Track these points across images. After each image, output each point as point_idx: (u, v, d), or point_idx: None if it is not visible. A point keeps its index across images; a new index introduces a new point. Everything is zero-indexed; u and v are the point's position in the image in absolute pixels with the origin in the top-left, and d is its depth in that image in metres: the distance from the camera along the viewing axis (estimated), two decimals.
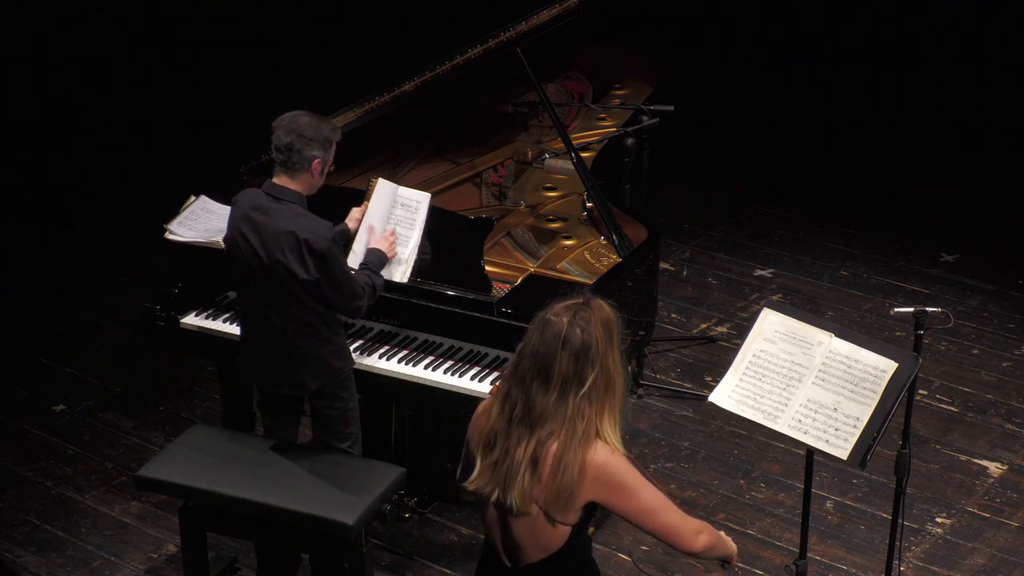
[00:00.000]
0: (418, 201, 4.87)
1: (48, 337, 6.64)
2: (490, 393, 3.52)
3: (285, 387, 4.59)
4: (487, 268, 4.88)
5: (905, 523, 4.80)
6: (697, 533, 3.46)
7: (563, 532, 3.41)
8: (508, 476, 3.37)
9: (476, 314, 4.71)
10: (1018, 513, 5.41)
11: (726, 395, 4.06)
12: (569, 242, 5.28)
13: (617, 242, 5.14)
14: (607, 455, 3.34)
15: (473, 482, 3.44)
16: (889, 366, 3.94)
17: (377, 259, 4.68)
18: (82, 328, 6.73)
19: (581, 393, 3.32)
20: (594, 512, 3.49)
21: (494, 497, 3.40)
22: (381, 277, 4.64)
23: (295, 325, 4.46)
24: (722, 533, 3.58)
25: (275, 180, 4.46)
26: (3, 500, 5.52)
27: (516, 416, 3.37)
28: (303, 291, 4.39)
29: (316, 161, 4.43)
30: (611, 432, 3.38)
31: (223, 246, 5.01)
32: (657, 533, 3.48)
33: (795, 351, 4.04)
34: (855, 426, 3.91)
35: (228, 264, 4.59)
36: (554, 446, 3.32)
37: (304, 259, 4.34)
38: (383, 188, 4.87)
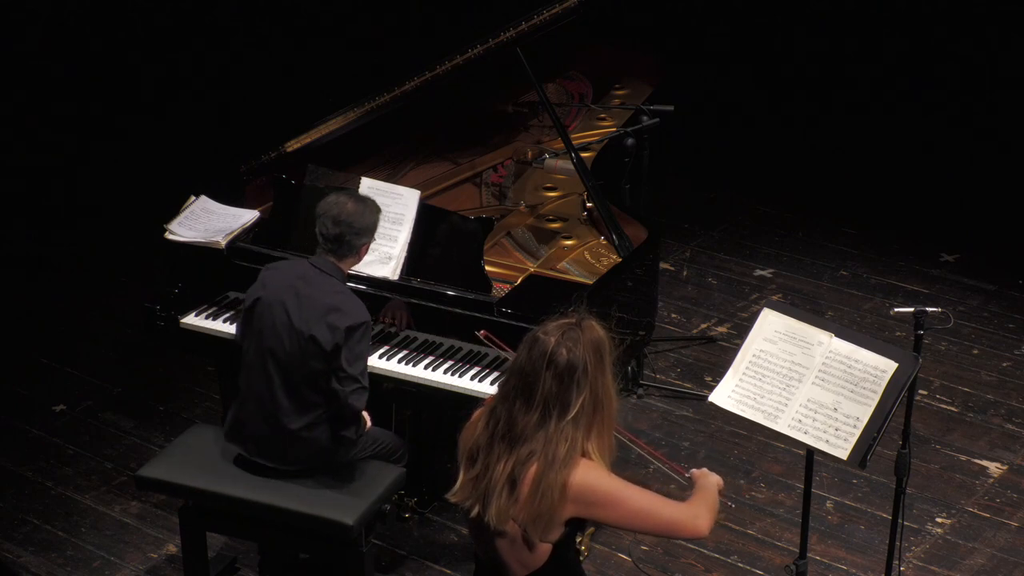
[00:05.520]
0: (406, 195, 4.88)
1: (48, 337, 6.64)
2: (485, 402, 3.50)
3: (270, 459, 4.50)
4: (487, 268, 4.88)
5: (905, 523, 4.79)
6: (695, 518, 3.42)
7: (544, 550, 3.39)
8: (487, 493, 3.35)
9: (476, 314, 4.71)
10: (1018, 513, 5.41)
11: (726, 395, 4.07)
12: (569, 242, 5.28)
13: (617, 242, 5.14)
14: (586, 471, 3.31)
15: (455, 494, 3.43)
16: (889, 366, 3.94)
17: None
18: (82, 328, 6.73)
19: (568, 417, 3.28)
20: (581, 527, 3.47)
21: (474, 512, 3.39)
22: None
23: (298, 402, 4.42)
24: (710, 490, 3.52)
25: (324, 256, 4.48)
26: (3, 500, 5.52)
27: (498, 432, 3.34)
28: (323, 366, 4.35)
29: (364, 247, 4.50)
30: (598, 455, 3.35)
31: (223, 246, 5.04)
32: (656, 532, 3.47)
33: (795, 351, 4.04)
34: (855, 426, 3.91)
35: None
36: (533, 468, 3.29)
37: (336, 330, 4.32)
38: (367, 184, 4.91)
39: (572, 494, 3.30)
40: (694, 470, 3.63)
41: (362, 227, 4.44)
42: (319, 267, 4.45)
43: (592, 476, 3.31)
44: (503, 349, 4.43)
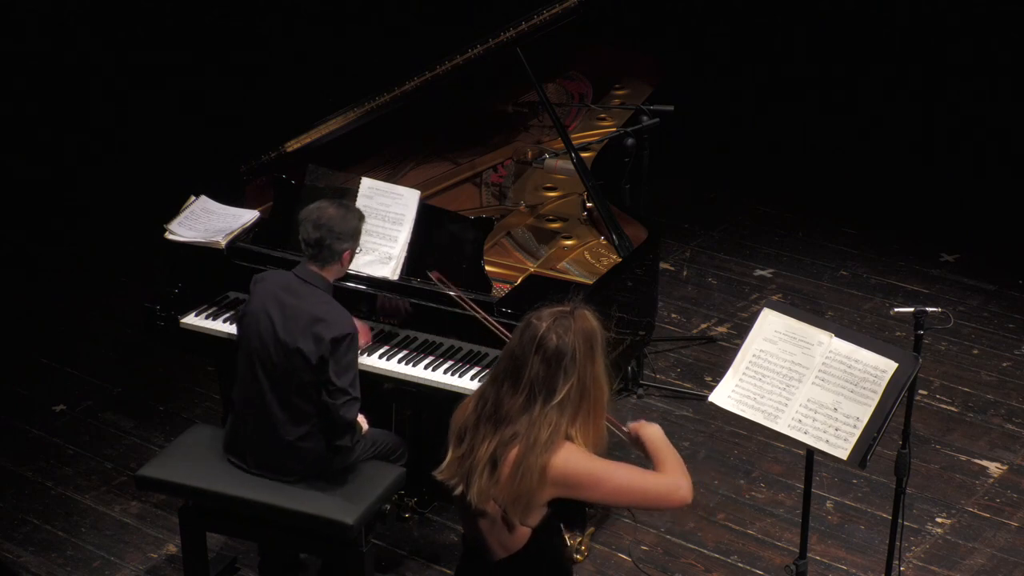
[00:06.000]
0: (406, 195, 4.89)
1: (48, 337, 6.64)
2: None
3: (268, 471, 4.49)
4: (487, 268, 4.88)
5: (905, 523, 4.80)
6: (678, 488, 3.42)
7: (523, 533, 3.41)
8: (470, 472, 3.39)
9: (476, 314, 4.71)
10: (1018, 513, 5.41)
11: (726, 395, 4.07)
12: (569, 242, 5.28)
13: (617, 242, 5.14)
14: (567, 454, 3.34)
15: (442, 472, 3.48)
16: (889, 366, 3.95)
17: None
18: (82, 328, 6.73)
19: (552, 403, 3.31)
20: (565, 515, 3.48)
21: (458, 491, 3.43)
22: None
23: (292, 413, 4.41)
24: (672, 450, 3.49)
25: (307, 265, 4.45)
26: (3, 500, 5.52)
27: (485, 413, 3.39)
28: (312, 378, 4.34)
29: (346, 253, 4.45)
30: (581, 443, 3.36)
31: (223, 246, 5.04)
32: (642, 505, 3.49)
33: (795, 351, 4.04)
34: (855, 426, 3.91)
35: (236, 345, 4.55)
36: (514, 450, 3.32)
37: (321, 342, 4.30)
38: (367, 184, 4.92)
39: (552, 477, 3.33)
40: (631, 423, 3.59)
41: (343, 231, 4.40)
42: (303, 277, 4.42)
43: (572, 459, 3.34)
44: (454, 291, 4.50)
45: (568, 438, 3.36)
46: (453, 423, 3.49)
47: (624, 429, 3.60)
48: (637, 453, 3.58)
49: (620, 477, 3.38)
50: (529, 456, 3.30)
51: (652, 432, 3.53)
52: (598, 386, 3.37)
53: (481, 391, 3.44)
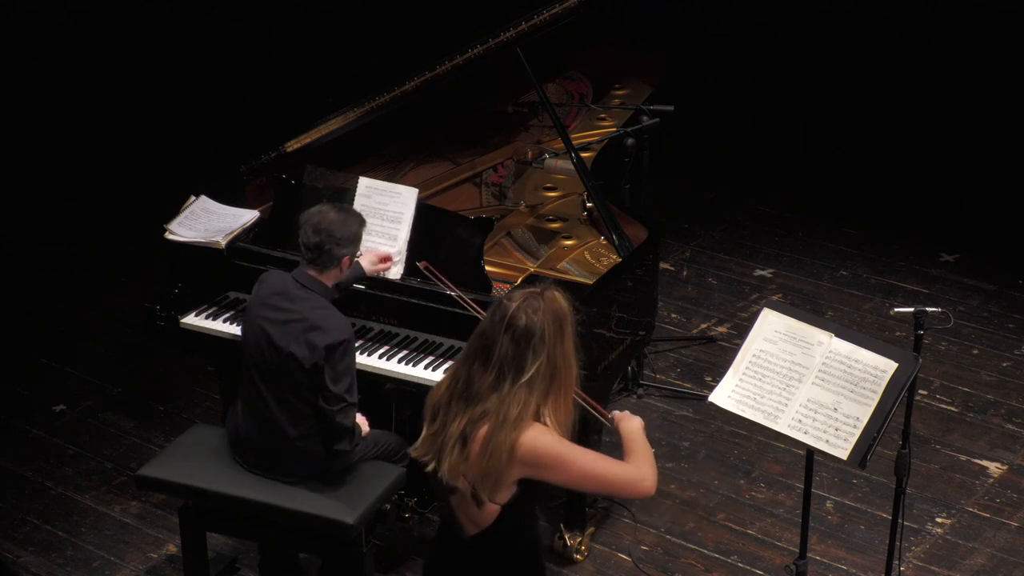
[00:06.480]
0: (404, 193, 4.88)
1: (48, 337, 6.64)
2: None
3: (269, 470, 4.50)
4: (487, 268, 4.88)
5: (905, 523, 4.80)
6: (642, 479, 3.47)
7: (492, 510, 3.47)
8: (442, 449, 3.45)
9: (476, 314, 4.71)
10: (1018, 513, 5.41)
11: (726, 395, 4.07)
12: (569, 242, 5.28)
13: (617, 242, 5.14)
14: (535, 433, 3.39)
15: (416, 449, 3.53)
16: (889, 366, 3.95)
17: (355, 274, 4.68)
18: (82, 328, 6.73)
19: (521, 381, 3.37)
20: (536, 494, 3.52)
21: (430, 467, 3.49)
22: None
23: (290, 413, 4.41)
24: (644, 443, 3.55)
25: (305, 270, 4.43)
26: (3, 500, 5.52)
27: (456, 391, 3.45)
28: (307, 380, 4.34)
29: (346, 258, 4.43)
30: (553, 420, 3.43)
31: (223, 246, 5.04)
32: (606, 492, 3.54)
33: (795, 351, 4.04)
34: (855, 426, 3.91)
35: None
36: (484, 428, 3.38)
37: (315, 349, 4.29)
38: (365, 184, 4.92)
39: (520, 456, 3.38)
40: (616, 412, 3.66)
41: (343, 237, 4.39)
42: (301, 282, 4.41)
43: (541, 439, 3.40)
44: (443, 282, 4.53)
45: (539, 417, 3.41)
46: (428, 401, 3.56)
47: (609, 416, 3.68)
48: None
49: (587, 462, 3.44)
50: (498, 433, 3.36)
51: (630, 426, 3.60)
52: (567, 365, 3.44)
53: (454, 370, 3.51)
